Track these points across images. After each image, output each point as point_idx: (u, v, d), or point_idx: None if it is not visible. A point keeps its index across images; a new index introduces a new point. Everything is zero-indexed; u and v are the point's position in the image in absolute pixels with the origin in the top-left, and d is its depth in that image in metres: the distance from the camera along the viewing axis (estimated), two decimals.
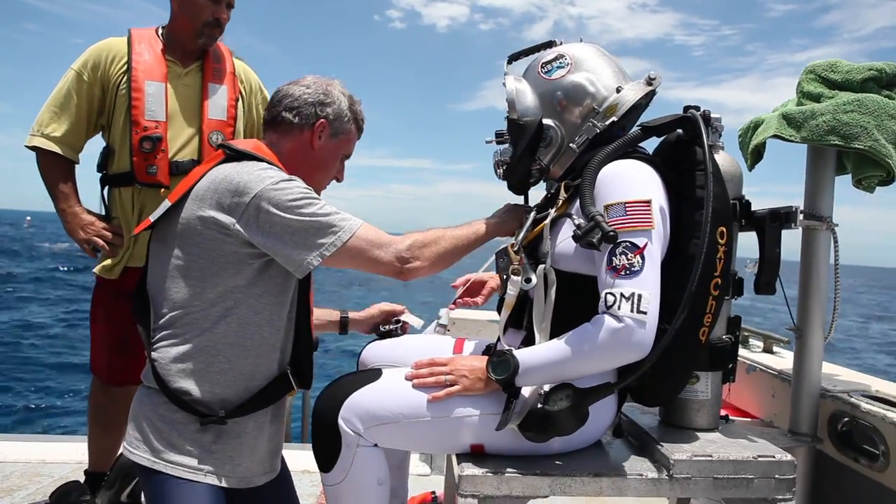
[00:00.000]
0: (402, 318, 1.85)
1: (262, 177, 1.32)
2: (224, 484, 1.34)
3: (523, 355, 1.27)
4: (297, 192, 1.32)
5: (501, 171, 1.52)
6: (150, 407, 1.35)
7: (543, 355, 1.27)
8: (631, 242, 1.23)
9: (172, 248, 1.35)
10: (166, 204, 1.38)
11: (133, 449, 1.35)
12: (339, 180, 1.61)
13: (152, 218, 1.40)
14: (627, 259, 1.22)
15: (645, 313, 1.20)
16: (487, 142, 1.57)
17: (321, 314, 1.82)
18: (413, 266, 1.39)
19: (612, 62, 1.47)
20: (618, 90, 1.42)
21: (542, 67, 1.46)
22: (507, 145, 1.50)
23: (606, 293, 1.23)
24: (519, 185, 1.55)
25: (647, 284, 1.21)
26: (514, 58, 1.58)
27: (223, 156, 1.40)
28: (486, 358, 1.32)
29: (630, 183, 1.28)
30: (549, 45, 1.54)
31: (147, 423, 1.34)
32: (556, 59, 1.45)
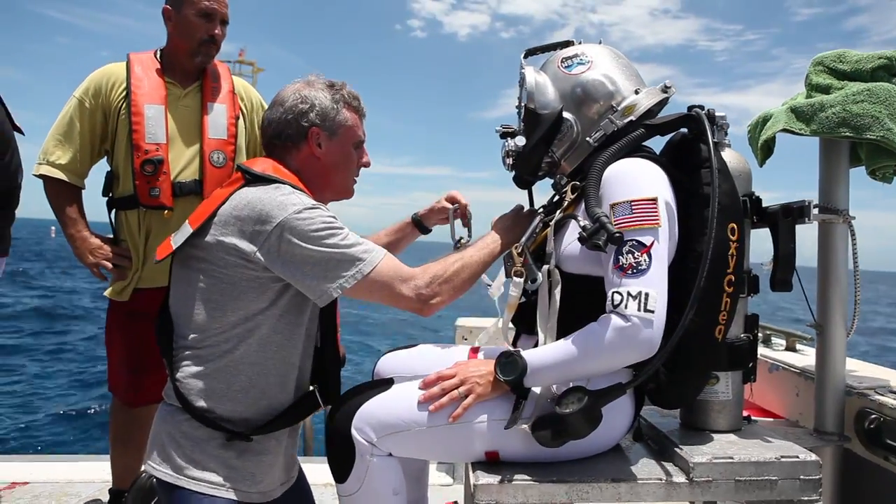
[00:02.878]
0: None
1: (285, 204, 1.30)
2: (245, 499, 1.35)
3: (531, 356, 1.26)
4: (319, 222, 1.30)
5: (511, 160, 1.49)
6: (172, 424, 1.36)
7: (551, 355, 1.26)
8: (637, 241, 1.22)
9: (195, 271, 1.35)
10: (188, 229, 1.37)
11: (156, 465, 1.36)
12: (366, 166, 1.58)
13: (174, 244, 1.39)
14: (634, 258, 1.21)
15: (652, 312, 1.18)
16: (497, 131, 1.55)
17: (393, 231, 1.83)
18: (434, 302, 1.38)
19: (629, 65, 1.47)
20: (636, 92, 1.42)
21: (562, 62, 1.46)
22: (517, 138, 1.48)
23: (613, 292, 1.21)
24: (527, 177, 1.54)
25: (654, 283, 1.20)
26: (530, 52, 1.58)
27: (242, 179, 1.39)
28: (492, 361, 1.32)
29: (636, 181, 1.27)
30: (567, 44, 1.54)
31: (169, 440, 1.35)
32: (575, 55, 1.45)
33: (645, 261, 1.21)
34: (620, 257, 1.22)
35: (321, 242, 1.29)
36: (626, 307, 1.19)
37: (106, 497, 2.19)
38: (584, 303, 1.31)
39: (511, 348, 1.34)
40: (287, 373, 1.39)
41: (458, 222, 1.80)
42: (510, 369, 1.26)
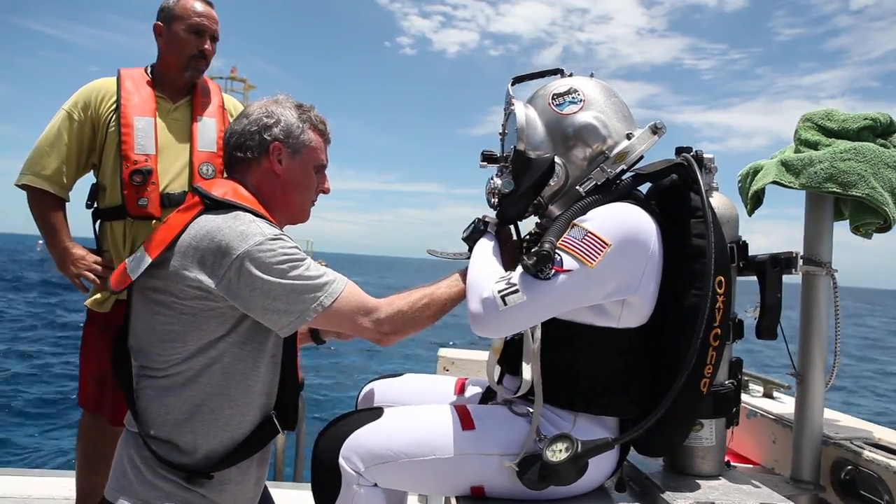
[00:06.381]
0: None
1: (246, 234, 1.26)
2: None
3: (484, 248, 1.41)
4: (281, 254, 1.26)
5: (496, 200, 1.43)
6: (134, 448, 1.32)
7: (479, 260, 1.37)
8: (561, 258, 1.21)
9: (155, 303, 1.31)
10: (147, 259, 1.31)
11: (118, 493, 1.31)
12: (326, 192, 1.53)
13: (132, 273, 1.32)
14: (543, 265, 1.19)
15: (505, 305, 1.19)
16: (482, 166, 1.48)
17: None
18: (394, 337, 1.37)
19: (622, 105, 1.42)
20: (628, 136, 1.38)
21: (553, 99, 1.39)
22: (505, 176, 1.41)
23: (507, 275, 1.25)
24: (513, 218, 1.49)
25: (535, 295, 1.20)
26: (518, 80, 1.52)
27: (200, 204, 1.34)
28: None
29: (611, 221, 1.25)
30: (557, 72, 1.50)
31: (130, 466, 1.31)
32: (568, 92, 1.39)
33: (548, 274, 1.19)
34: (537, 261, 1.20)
35: (283, 275, 1.25)
36: (497, 283, 1.23)
37: None
38: (567, 347, 1.32)
39: (501, 389, 1.34)
40: (251, 402, 1.34)
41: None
42: (471, 230, 1.48)
